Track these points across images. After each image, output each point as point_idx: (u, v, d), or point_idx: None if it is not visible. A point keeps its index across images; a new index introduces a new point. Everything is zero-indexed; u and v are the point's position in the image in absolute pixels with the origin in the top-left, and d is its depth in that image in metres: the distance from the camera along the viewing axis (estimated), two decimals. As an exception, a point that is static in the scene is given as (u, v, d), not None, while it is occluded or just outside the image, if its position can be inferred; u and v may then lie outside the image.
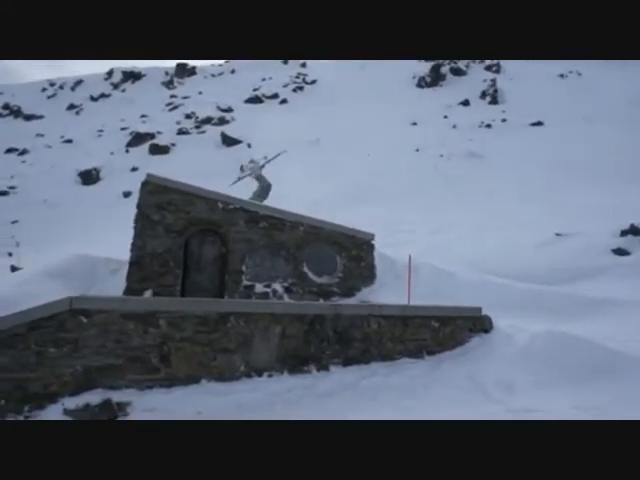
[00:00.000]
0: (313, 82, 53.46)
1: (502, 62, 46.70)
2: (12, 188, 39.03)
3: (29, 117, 53.83)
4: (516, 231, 17.72)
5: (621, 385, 5.36)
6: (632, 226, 15.62)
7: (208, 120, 46.09)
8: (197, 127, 45.74)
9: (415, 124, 38.96)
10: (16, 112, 54.67)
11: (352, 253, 10.91)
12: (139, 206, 9.98)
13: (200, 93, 53.15)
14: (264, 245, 10.40)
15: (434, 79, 48.47)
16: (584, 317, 8.80)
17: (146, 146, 43.01)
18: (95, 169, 40.38)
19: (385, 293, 10.20)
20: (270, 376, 5.98)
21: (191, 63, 62.04)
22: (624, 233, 15.57)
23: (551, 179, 26.59)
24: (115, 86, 59.63)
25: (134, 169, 38.49)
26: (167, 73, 60.38)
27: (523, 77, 45.00)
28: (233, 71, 59.71)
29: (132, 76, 60.80)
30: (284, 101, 49.66)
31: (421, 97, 45.21)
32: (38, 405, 5.08)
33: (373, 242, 11.18)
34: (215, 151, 39.97)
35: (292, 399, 5.45)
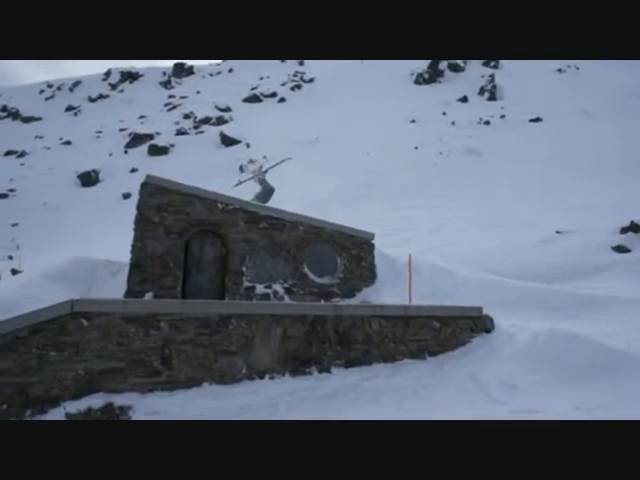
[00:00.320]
0: (311, 80, 53.48)
1: (500, 59, 46.73)
2: (12, 191, 39.00)
3: (27, 119, 53.81)
4: (516, 229, 17.75)
5: (623, 384, 5.37)
6: (632, 223, 15.62)
7: (207, 120, 46.10)
8: (196, 127, 45.75)
9: (414, 121, 38.97)
10: (14, 114, 54.63)
11: (352, 253, 10.88)
12: (139, 208, 9.95)
13: (198, 93, 53.15)
14: (264, 246, 10.37)
15: (432, 76, 48.49)
16: (585, 315, 8.81)
17: (145, 147, 43.01)
18: (94, 171, 40.35)
19: (386, 293, 10.18)
20: (272, 378, 5.95)
21: (189, 63, 62.02)
22: (624, 230, 15.58)
23: (551, 175, 26.60)
24: (113, 87, 59.61)
25: (133, 170, 38.50)
26: (165, 73, 60.37)
27: (521, 73, 44.99)
28: (231, 70, 59.70)
29: (130, 76, 60.79)
30: (282, 100, 49.67)
31: (419, 94, 45.22)
32: (40, 409, 5.06)
33: (373, 242, 11.16)
34: (214, 151, 39.98)
35: (294, 401, 5.43)
